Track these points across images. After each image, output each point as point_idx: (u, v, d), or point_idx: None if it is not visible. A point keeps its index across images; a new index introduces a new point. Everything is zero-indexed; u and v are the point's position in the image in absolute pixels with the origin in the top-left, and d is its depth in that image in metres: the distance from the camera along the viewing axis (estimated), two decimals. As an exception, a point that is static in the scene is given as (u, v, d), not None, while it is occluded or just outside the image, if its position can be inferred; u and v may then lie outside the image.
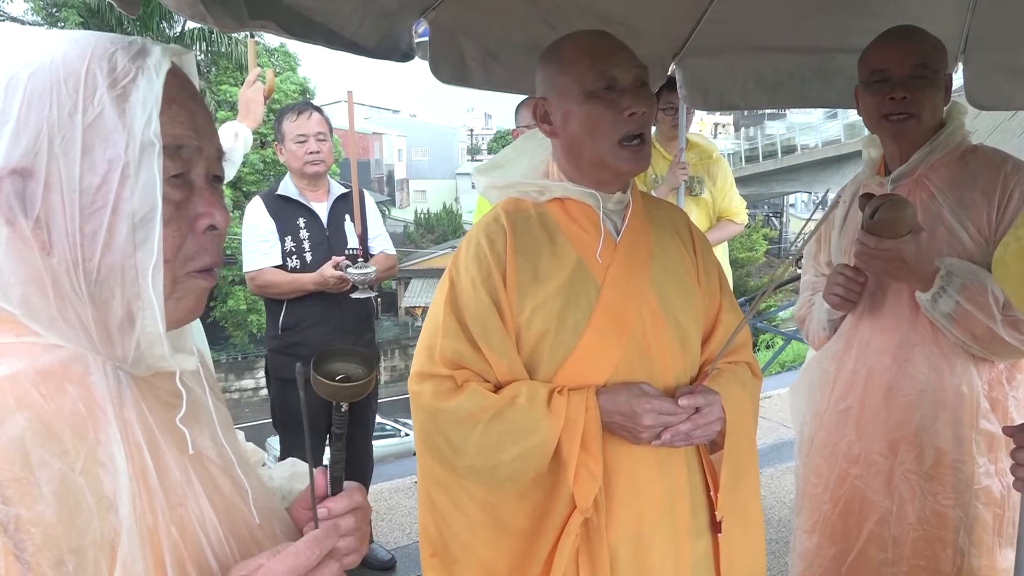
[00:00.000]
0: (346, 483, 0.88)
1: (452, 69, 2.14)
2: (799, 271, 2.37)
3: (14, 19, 18.49)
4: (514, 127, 3.60)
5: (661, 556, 1.44)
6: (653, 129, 3.66)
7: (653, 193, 3.44)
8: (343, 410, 0.84)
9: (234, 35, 18.34)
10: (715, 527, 1.50)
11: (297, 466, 1.07)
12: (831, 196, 2.47)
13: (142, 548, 0.70)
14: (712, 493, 1.50)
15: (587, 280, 1.45)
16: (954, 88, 1.90)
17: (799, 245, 2.76)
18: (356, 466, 3.20)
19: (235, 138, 2.94)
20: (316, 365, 0.82)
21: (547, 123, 1.48)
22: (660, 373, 1.46)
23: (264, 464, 1.11)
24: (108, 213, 0.69)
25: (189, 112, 0.76)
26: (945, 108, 1.87)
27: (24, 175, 0.68)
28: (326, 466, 0.88)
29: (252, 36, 3.59)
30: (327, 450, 0.87)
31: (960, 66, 2.63)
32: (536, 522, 1.43)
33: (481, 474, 1.43)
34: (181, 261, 0.76)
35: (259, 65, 3.11)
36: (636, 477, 1.43)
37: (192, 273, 0.78)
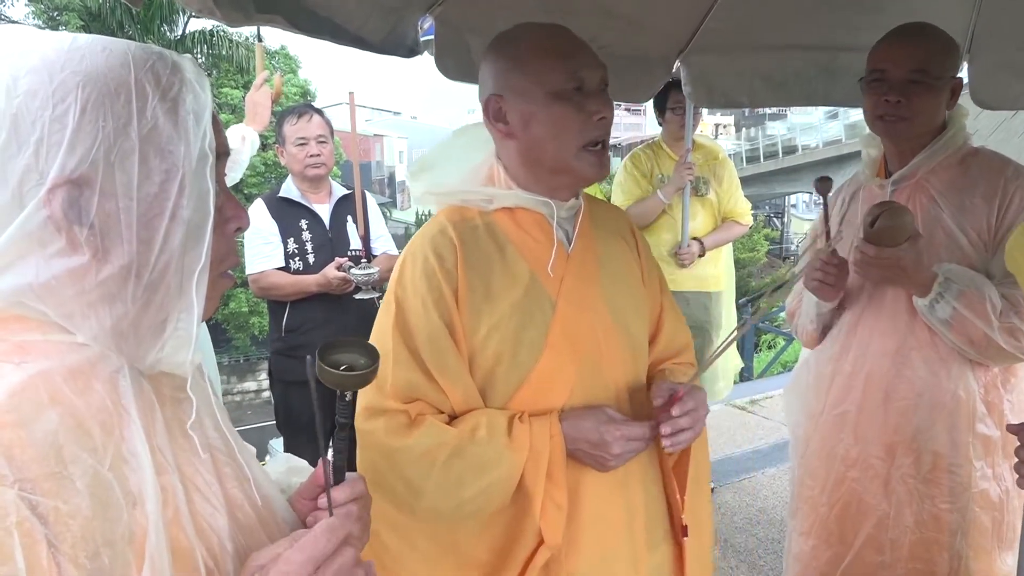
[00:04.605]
0: (348, 473, 0.89)
1: (458, 65, 2.13)
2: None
3: (14, 23, 18.53)
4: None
5: (622, 574, 1.39)
6: (660, 129, 3.65)
7: (659, 193, 3.43)
8: (348, 399, 0.85)
9: (235, 38, 18.39)
10: (677, 534, 1.46)
11: (292, 461, 1.08)
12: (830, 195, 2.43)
13: (167, 542, 0.71)
14: (679, 496, 1.44)
15: (541, 296, 1.36)
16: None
17: (802, 251, 2.73)
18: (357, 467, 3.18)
19: (242, 141, 2.94)
20: (321, 355, 0.83)
21: (502, 123, 1.34)
22: (612, 385, 1.40)
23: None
24: (166, 220, 0.72)
25: (219, 121, 0.79)
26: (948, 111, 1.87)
27: (79, 184, 0.69)
28: (329, 458, 0.88)
29: (259, 40, 3.59)
30: (329, 450, 0.88)
31: (965, 65, 2.62)
32: (498, 554, 1.34)
33: (442, 515, 1.33)
34: (216, 263, 0.78)
35: (266, 68, 3.10)
36: (598, 501, 1.36)
37: (223, 274, 0.82)
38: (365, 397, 1.34)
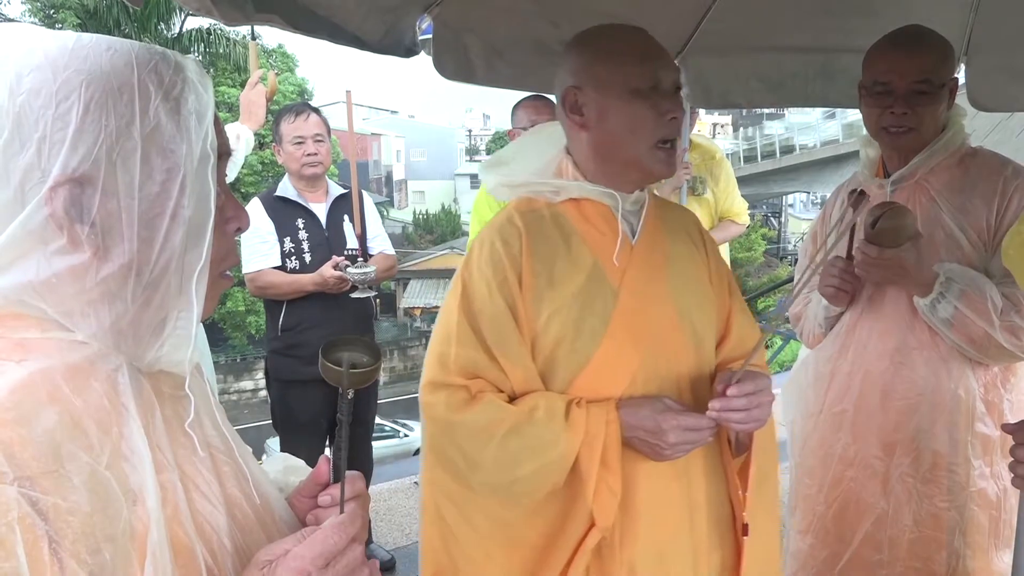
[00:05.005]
0: (348, 472, 0.89)
1: (456, 65, 2.14)
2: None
3: (10, 20, 18.47)
4: (510, 127, 3.60)
5: (679, 572, 1.39)
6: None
7: (656, 192, 3.44)
8: (349, 397, 0.86)
9: (232, 36, 18.37)
10: (738, 532, 1.45)
11: (290, 460, 1.08)
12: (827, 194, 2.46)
13: (168, 539, 0.71)
14: (742, 493, 1.44)
15: (603, 285, 1.40)
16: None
17: (801, 253, 2.69)
18: (356, 466, 3.19)
19: (237, 140, 2.94)
20: (324, 353, 0.85)
21: (577, 114, 1.41)
22: (675, 378, 1.42)
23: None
24: (167, 219, 0.72)
25: (220, 121, 0.80)
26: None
27: (82, 182, 0.69)
28: (328, 456, 0.90)
29: (253, 38, 3.59)
30: (326, 448, 0.89)
31: (962, 67, 2.62)
32: (550, 538, 1.37)
33: (497, 490, 1.37)
34: (216, 263, 0.79)
35: (260, 67, 3.10)
36: (655, 491, 1.38)
37: (222, 274, 0.82)
38: (429, 372, 1.41)
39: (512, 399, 1.39)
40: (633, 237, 1.45)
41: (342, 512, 0.82)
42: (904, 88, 1.77)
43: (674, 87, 1.38)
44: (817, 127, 29.51)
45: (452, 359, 1.38)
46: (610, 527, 1.33)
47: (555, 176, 1.47)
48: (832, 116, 27.29)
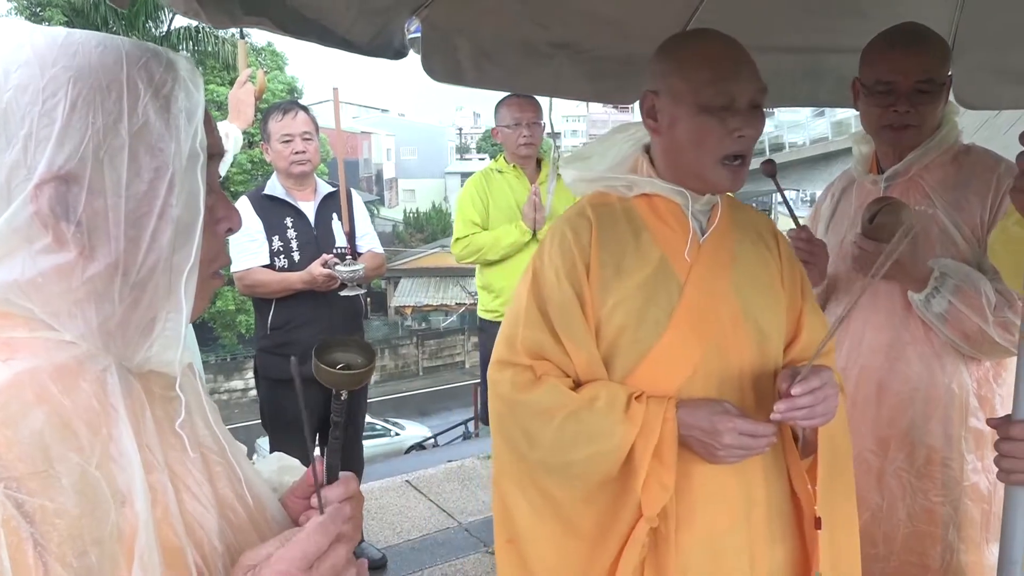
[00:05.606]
0: (341, 473, 0.89)
1: (445, 67, 2.13)
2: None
3: (-2, 17, 18.32)
4: (494, 126, 3.60)
5: (733, 566, 1.40)
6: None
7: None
8: (343, 398, 0.85)
9: (221, 35, 18.27)
10: (805, 527, 1.46)
11: (284, 460, 1.08)
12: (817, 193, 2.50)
13: (156, 541, 0.71)
14: (811, 487, 1.44)
15: (669, 278, 1.43)
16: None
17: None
18: (346, 465, 3.18)
19: (226, 138, 2.93)
20: (318, 354, 0.84)
21: (652, 119, 1.45)
22: (737, 373, 1.43)
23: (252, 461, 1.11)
24: (154, 219, 0.72)
25: (212, 121, 0.79)
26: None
27: (68, 180, 0.69)
28: (321, 456, 0.89)
29: (242, 37, 3.58)
30: (317, 448, 0.88)
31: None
32: (602, 528, 1.41)
33: (552, 470, 1.43)
34: (206, 263, 0.78)
35: (249, 66, 3.09)
36: (710, 486, 1.40)
37: (213, 274, 0.82)
38: (497, 351, 1.49)
39: (576, 384, 1.43)
40: (702, 236, 1.47)
41: (322, 514, 0.81)
42: (908, 87, 1.78)
43: (750, 105, 1.38)
44: (806, 125, 29.52)
45: (519, 340, 1.44)
46: (655, 518, 1.36)
47: (630, 172, 1.51)
48: (821, 114, 27.32)
